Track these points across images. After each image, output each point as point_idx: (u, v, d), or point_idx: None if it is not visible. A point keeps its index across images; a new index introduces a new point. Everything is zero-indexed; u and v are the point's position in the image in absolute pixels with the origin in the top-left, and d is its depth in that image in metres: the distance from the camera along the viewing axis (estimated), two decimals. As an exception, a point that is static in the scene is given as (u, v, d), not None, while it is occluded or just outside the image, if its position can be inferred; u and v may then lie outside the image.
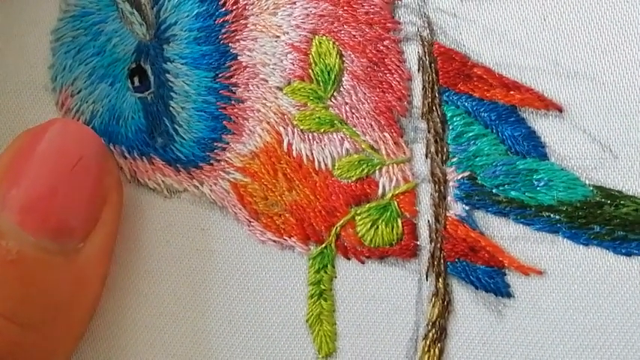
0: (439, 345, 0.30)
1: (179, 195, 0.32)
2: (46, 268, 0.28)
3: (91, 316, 0.30)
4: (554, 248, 0.29)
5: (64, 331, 0.29)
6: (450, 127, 0.30)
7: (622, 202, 0.29)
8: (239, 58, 0.32)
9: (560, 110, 0.30)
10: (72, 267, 0.28)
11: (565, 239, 0.29)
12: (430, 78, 0.30)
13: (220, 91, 0.32)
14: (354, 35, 0.31)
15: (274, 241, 0.31)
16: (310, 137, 0.31)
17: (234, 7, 0.32)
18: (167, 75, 0.32)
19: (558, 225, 0.29)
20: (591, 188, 0.29)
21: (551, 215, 0.29)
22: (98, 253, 0.29)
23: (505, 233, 0.30)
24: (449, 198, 0.30)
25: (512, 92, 0.30)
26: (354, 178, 0.31)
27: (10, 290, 0.27)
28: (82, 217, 0.29)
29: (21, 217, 0.27)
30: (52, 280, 0.28)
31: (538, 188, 0.29)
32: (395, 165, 0.31)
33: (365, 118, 0.31)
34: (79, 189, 0.28)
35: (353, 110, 0.31)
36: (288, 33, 0.31)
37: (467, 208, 0.30)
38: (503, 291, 0.29)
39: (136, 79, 0.32)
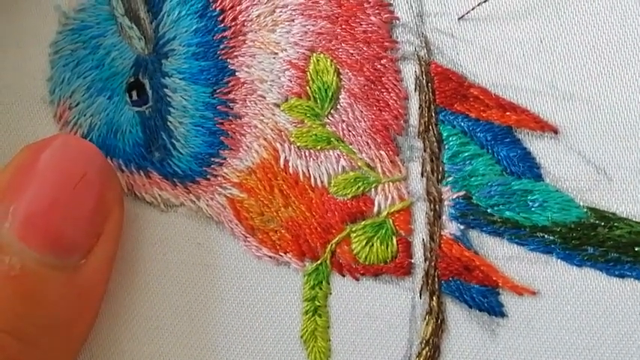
0: (432, 363, 0.30)
1: (175, 209, 0.32)
2: (48, 284, 0.28)
3: (89, 331, 0.30)
4: (548, 269, 0.29)
5: (64, 346, 0.29)
6: (446, 147, 0.30)
7: (616, 224, 0.29)
8: (237, 74, 0.32)
9: (556, 132, 0.30)
10: (74, 283, 0.28)
11: (559, 260, 0.29)
12: (427, 97, 0.31)
13: (218, 107, 0.32)
14: (352, 53, 0.31)
15: (270, 256, 0.31)
16: (307, 154, 0.31)
17: (233, 24, 0.32)
18: (165, 90, 0.32)
19: (552, 246, 0.29)
20: (585, 210, 0.29)
21: (546, 236, 0.29)
22: (99, 269, 0.29)
23: (499, 253, 0.30)
24: (444, 217, 0.30)
25: (508, 113, 0.30)
26: (349, 196, 0.31)
27: (11, 305, 0.27)
28: (84, 233, 0.28)
29: (23, 232, 0.27)
30: (53, 296, 0.28)
31: (533, 209, 0.30)
32: (391, 183, 0.31)
33: (361, 136, 0.31)
34: (81, 204, 0.28)
35: (350, 128, 0.31)
36: (286, 50, 0.31)
37: (462, 227, 0.30)
38: (496, 310, 0.30)
39: (134, 93, 0.32)
